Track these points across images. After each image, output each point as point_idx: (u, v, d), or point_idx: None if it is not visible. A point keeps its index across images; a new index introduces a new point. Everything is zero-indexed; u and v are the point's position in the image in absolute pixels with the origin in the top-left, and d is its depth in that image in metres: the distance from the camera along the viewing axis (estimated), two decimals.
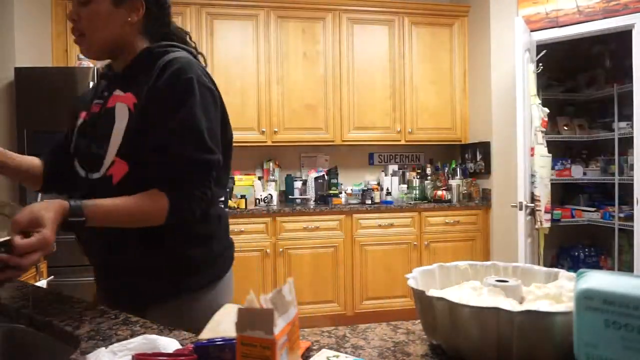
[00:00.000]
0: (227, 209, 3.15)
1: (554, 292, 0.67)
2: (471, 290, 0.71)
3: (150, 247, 0.98)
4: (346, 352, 0.68)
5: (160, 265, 0.99)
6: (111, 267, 1.04)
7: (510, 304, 0.63)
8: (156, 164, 0.93)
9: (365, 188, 3.54)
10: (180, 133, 0.93)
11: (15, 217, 0.77)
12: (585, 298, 0.53)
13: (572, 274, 0.73)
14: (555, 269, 0.77)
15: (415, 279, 0.75)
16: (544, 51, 3.00)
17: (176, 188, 0.93)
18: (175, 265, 1.01)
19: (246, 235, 3.12)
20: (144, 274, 0.99)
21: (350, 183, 3.81)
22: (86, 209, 0.84)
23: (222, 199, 1.10)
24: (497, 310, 0.58)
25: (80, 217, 0.83)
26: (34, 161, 1.09)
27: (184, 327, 0.82)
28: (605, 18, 2.89)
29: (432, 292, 0.68)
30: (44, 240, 0.75)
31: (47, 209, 0.79)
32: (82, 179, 1.01)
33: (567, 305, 0.64)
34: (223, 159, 1.02)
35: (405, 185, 3.70)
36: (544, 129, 2.85)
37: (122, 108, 0.96)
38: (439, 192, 3.49)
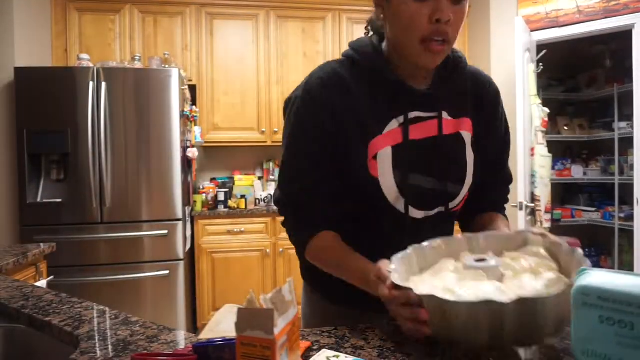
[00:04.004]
0: (228, 209, 3.15)
1: (530, 264, 0.70)
2: (453, 275, 0.70)
3: None
4: (346, 352, 0.68)
5: None
6: None
7: (498, 290, 0.63)
8: (491, 187, 0.93)
9: None
10: (507, 154, 0.95)
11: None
12: (582, 294, 0.54)
13: (537, 231, 0.76)
14: (521, 229, 0.77)
15: (397, 271, 0.71)
16: (544, 51, 2.99)
17: (504, 210, 0.92)
18: None
19: (246, 235, 3.12)
20: None
21: None
22: None
23: None
24: (488, 303, 0.57)
25: None
26: None
27: None
28: (605, 18, 2.89)
29: (417, 285, 0.68)
30: None
31: None
32: (405, 216, 0.84)
33: (547, 278, 0.65)
34: None
35: None
36: (544, 129, 2.85)
37: (467, 136, 0.87)
38: None
